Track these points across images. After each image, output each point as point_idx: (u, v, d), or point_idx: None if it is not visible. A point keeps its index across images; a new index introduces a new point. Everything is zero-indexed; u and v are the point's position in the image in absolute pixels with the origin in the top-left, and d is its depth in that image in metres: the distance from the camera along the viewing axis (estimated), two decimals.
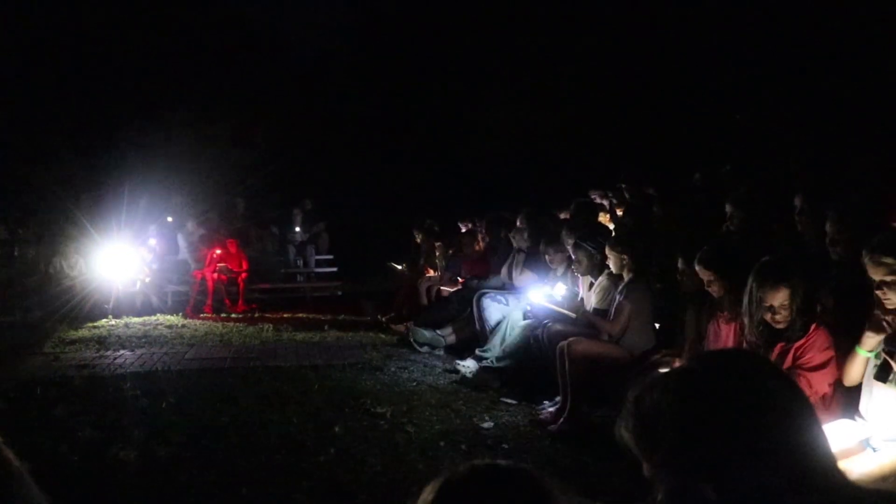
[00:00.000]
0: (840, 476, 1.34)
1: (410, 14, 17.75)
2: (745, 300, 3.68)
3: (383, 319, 10.14)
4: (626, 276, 5.76)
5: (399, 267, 11.28)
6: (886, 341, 3.16)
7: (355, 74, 17.79)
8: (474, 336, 7.79)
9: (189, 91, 16.40)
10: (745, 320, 3.73)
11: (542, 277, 7.30)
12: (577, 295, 6.62)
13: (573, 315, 6.13)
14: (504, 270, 8.28)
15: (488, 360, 7.05)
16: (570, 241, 6.65)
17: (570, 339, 5.63)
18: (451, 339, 8.31)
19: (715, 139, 12.72)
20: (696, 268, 4.49)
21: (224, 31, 17.51)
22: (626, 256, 5.71)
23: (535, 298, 6.61)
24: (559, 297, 6.53)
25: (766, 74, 12.66)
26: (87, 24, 16.89)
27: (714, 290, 4.40)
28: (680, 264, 4.93)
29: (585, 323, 5.98)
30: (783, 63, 12.38)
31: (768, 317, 3.59)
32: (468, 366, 7.09)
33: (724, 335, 4.32)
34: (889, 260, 3.07)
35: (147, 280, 11.68)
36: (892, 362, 3.08)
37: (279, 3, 16.98)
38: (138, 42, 16.92)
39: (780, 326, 3.61)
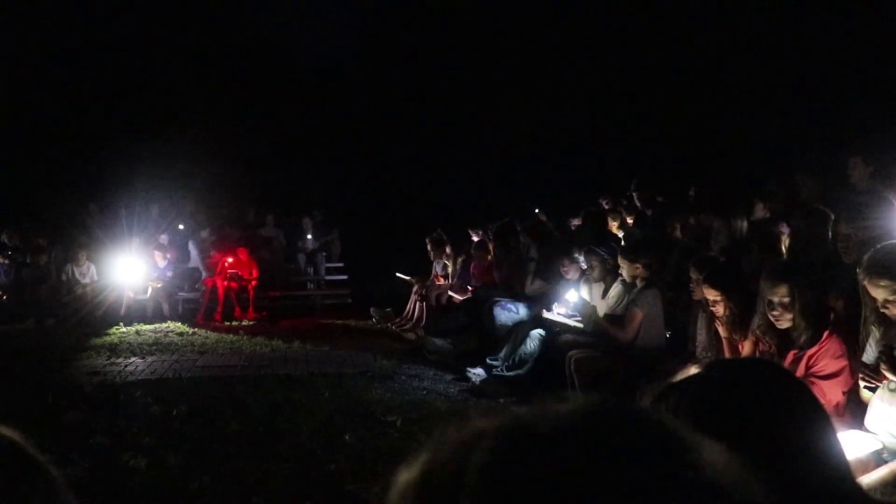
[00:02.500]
0: (854, 485, 1.33)
1: (422, 25, 17.80)
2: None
3: (394, 327, 10.12)
4: (639, 284, 5.75)
5: (407, 278, 11.27)
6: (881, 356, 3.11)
7: (366, 81, 17.84)
8: (484, 345, 7.77)
9: (200, 99, 16.48)
10: (757, 321, 3.70)
11: (553, 286, 7.29)
12: (588, 302, 6.60)
13: (582, 325, 6.13)
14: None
15: (498, 369, 7.03)
16: (582, 250, 6.65)
17: (579, 352, 5.62)
18: (462, 347, 8.30)
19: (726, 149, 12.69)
20: (702, 287, 4.45)
21: (234, 38, 17.60)
22: (639, 265, 5.71)
23: (548, 309, 6.61)
24: (571, 303, 6.53)
25: (784, 82, 12.61)
26: (100, 32, 17.00)
27: (718, 309, 4.32)
28: (692, 273, 4.91)
29: (596, 331, 5.96)
30: (799, 70, 12.34)
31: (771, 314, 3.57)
32: (478, 374, 7.08)
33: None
34: (885, 282, 3.03)
35: (158, 287, 11.70)
36: (886, 373, 3.05)
37: (289, 10, 17.03)
38: (150, 50, 17.03)
39: (781, 325, 3.59)
